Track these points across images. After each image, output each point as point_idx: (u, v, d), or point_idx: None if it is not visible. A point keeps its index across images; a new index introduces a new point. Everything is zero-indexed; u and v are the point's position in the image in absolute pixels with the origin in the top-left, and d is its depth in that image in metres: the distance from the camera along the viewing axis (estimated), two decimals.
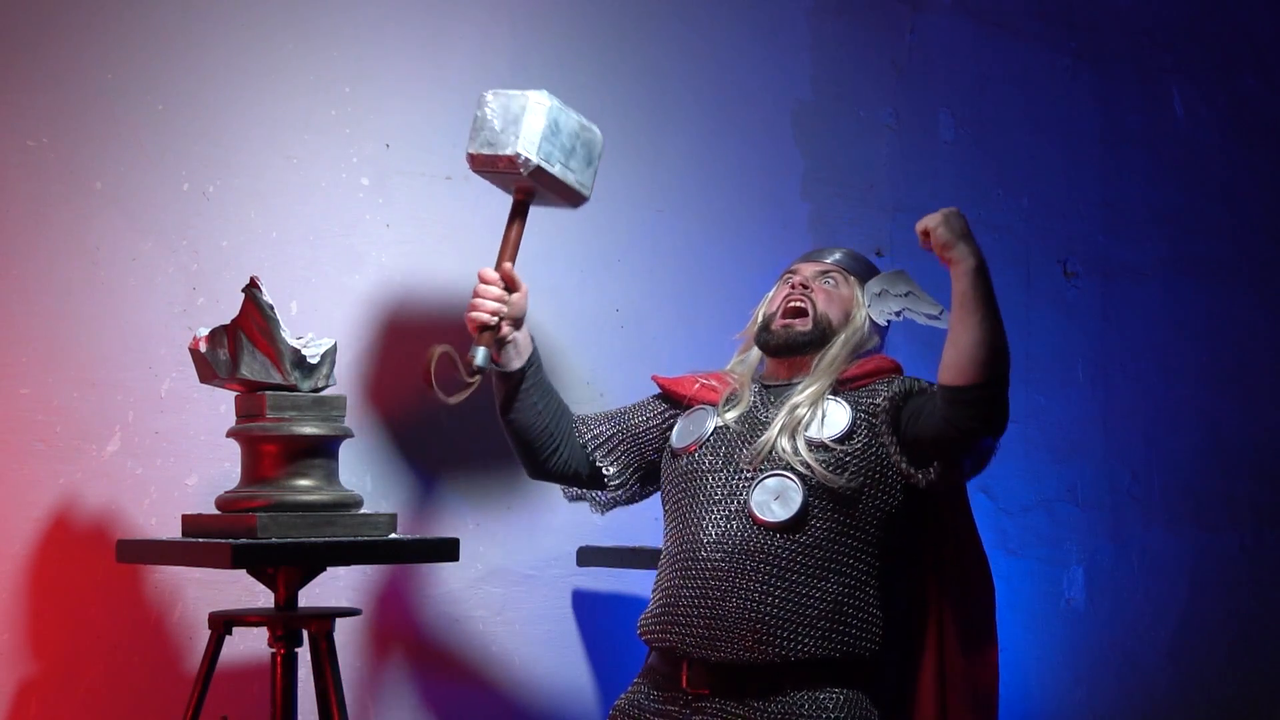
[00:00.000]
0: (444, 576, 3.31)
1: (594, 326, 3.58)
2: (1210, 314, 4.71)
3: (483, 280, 2.79)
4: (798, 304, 2.85)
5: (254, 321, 2.78)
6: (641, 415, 2.97)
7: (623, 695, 2.81)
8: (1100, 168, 4.53)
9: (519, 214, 2.88)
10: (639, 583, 3.45)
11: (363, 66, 3.31)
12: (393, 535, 2.83)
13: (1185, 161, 4.70)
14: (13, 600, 2.91)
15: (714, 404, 2.85)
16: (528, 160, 2.80)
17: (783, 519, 2.66)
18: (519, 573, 3.43)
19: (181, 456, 3.06)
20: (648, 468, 2.96)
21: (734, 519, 2.69)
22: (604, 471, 2.94)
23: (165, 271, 3.07)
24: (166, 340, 3.05)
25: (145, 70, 3.07)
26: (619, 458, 2.95)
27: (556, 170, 2.85)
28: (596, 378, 3.56)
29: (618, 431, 2.96)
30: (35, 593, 2.92)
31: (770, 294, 2.96)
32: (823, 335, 2.83)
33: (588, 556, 3.41)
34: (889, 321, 2.86)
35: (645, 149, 3.68)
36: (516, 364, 2.85)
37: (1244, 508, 4.73)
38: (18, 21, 2.96)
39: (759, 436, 2.74)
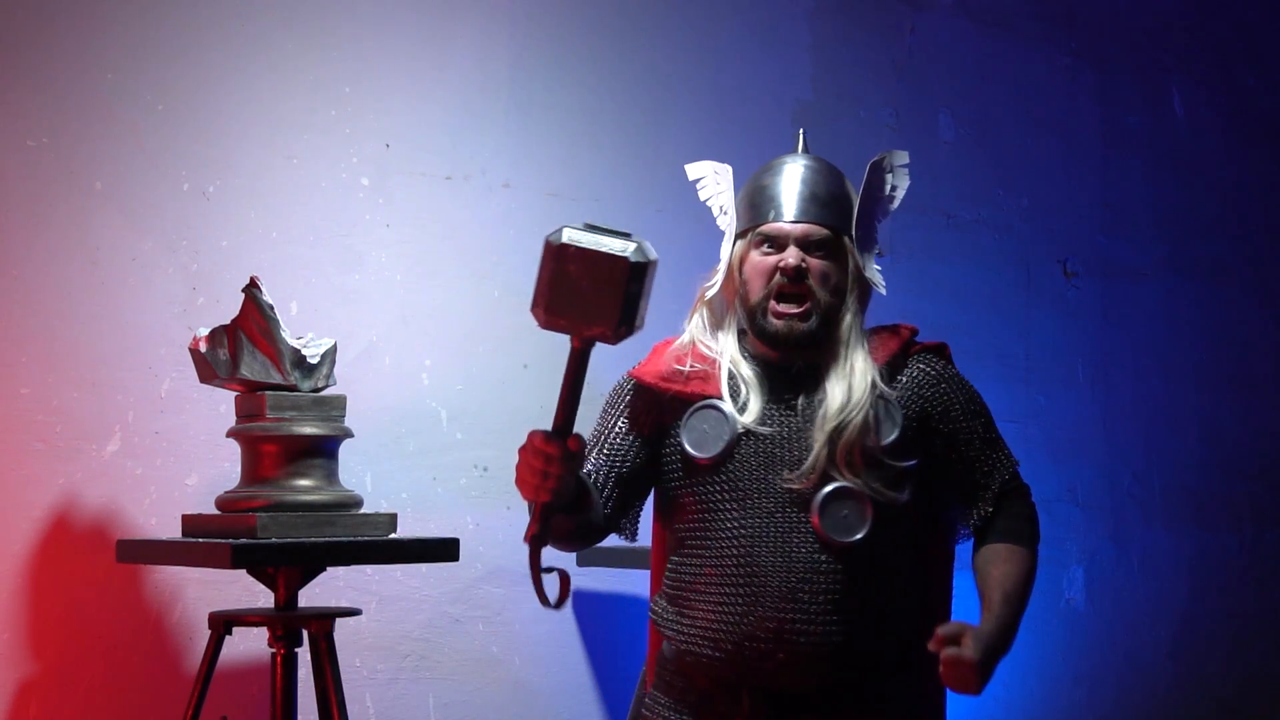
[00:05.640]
0: (444, 576, 3.31)
1: None
2: (1210, 314, 4.71)
3: (544, 448, 2.26)
4: (793, 291, 2.52)
5: (254, 321, 2.78)
6: (622, 437, 2.62)
7: (645, 712, 2.59)
8: (1100, 168, 4.53)
9: (581, 365, 2.29)
10: (639, 583, 3.45)
11: (363, 66, 3.31)
12: (393, 535, 2.83)
13: (1185, 161, 4.70)
14: (13, 600, 2.91)
15: (715, 396, 2.54)
16: (622, 332, 2.20)
17: (854, 538, 2.45)
18: (519, 573, 3.42)
19: (181, 456, 3.06)
20: (644, 484, 2.62)
21: (797, 539, 2.46)
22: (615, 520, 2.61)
23: (165, 271, 3.07)
24: (166, 340, 3.05)
25: (145, 70, 3.08)
26: (615, 494, 2.59)
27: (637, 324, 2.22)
28: (596, 377, 3.53)
29: (608, 471, 2.59)
30: (35, 593, 2.92)
31: (739, 247, 2.60)
32: (826, 324, 2.53)
33: (588, 556, 3.41)
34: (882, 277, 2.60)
35: (645, 149, 3.68)
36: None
37: (1244, 508, 4.73)
38: (18, 21, 2.96)
39: (797, 440, 2.50)
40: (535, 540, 2.32)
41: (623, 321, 2.17)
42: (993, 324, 4.25)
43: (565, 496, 2.33)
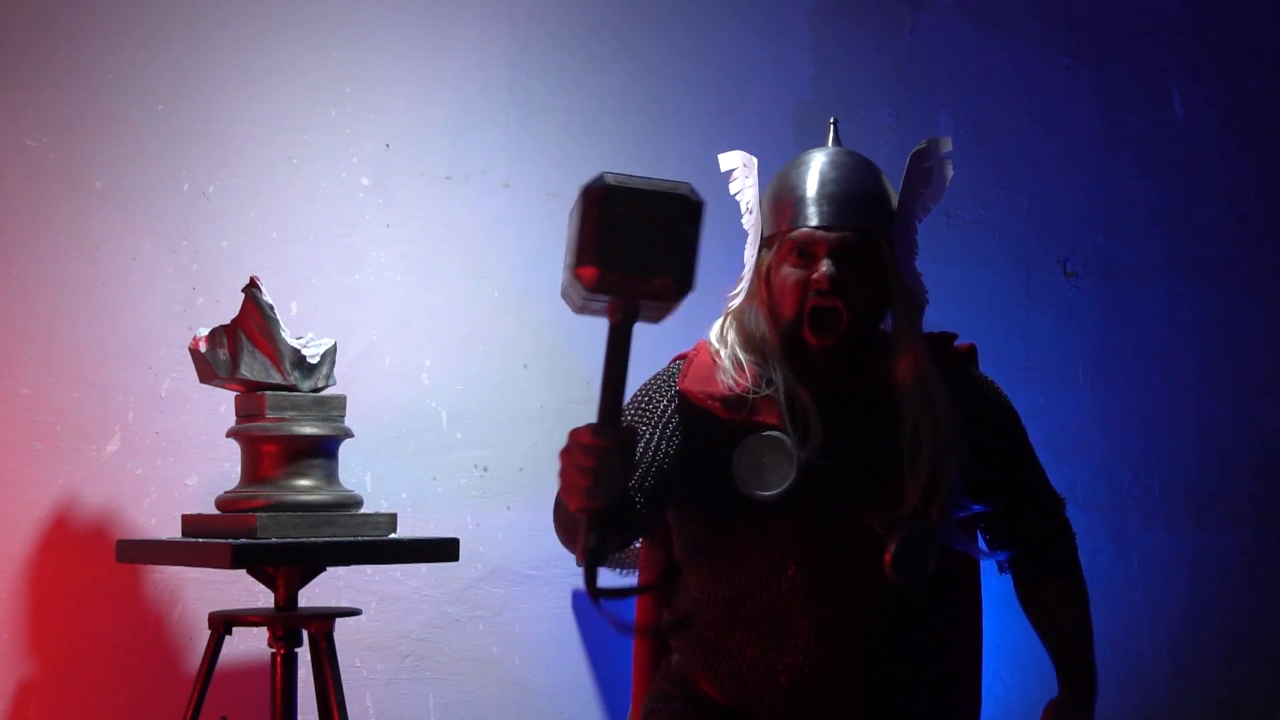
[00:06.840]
0: (444, 576, 3.31)
1: (594, 326, 3.56)
2: (1210, 314, 4.71)
3: (594, 442, 1.95)
4: (825, 305, 2.29)
5: (254, 321, 2.78)
6: (670, 446, 2.35)
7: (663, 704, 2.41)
8: (1100, 168, 4.53)
9: (623, 342, 2.03)
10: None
11: (363, 66, 3.31)
12: (393, 535, 2.83)
13: (1185, 161, 4.70)
14: (13, 600, 2.91)
15: (774, 425, 2.30)
16: (685, 286, 1.90)
17: (926, 578, 2.27)
18: (519, 573, 3.42)
19: (181, 456, 3.06)
20: (671, 499, 2.38)
21: (858, 579, 2.27)
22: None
23: (165, 271, 3.07)
24: (166, 340, 3.05)
25: (145, 70, 3.08)
26: (650, 507, 2.35)
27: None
28: (596, 378, 3.54)
29: (649, 482, 2.34)
30: (35, 593, 2.92)
31: (765, 256, 2.35)
32: (866, 334, 2.34)
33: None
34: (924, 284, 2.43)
35: (645, 149, 3.68)
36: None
37: (1244, 508, 4.73)
38: (18, 21, 2.96)
39: (868, 473, 2.29)
40: (592, 556, 1.92)
41: (687, 271, 1.85)
42: (993, 324, 4.25)
43: (618, 500, 1.94)
